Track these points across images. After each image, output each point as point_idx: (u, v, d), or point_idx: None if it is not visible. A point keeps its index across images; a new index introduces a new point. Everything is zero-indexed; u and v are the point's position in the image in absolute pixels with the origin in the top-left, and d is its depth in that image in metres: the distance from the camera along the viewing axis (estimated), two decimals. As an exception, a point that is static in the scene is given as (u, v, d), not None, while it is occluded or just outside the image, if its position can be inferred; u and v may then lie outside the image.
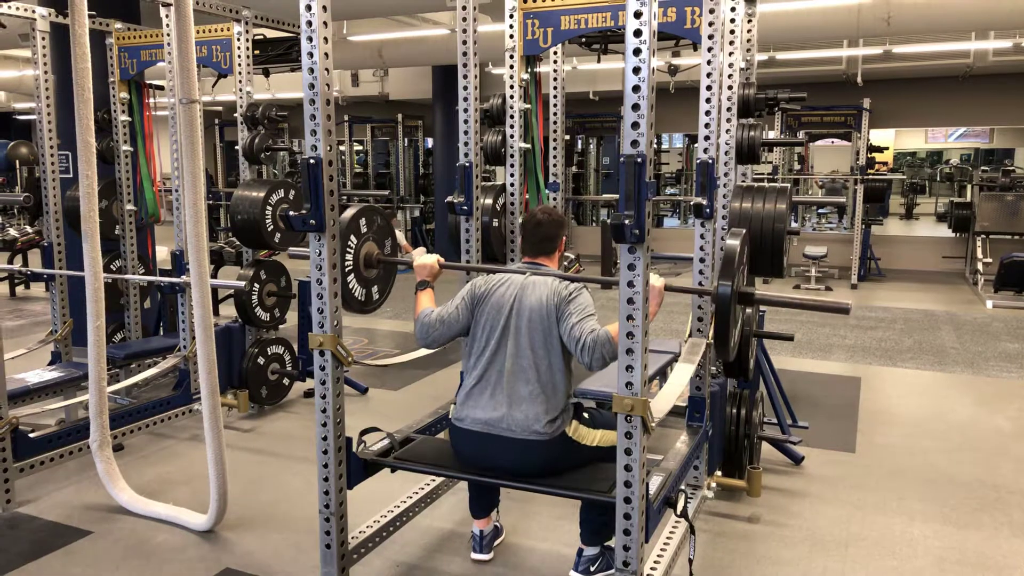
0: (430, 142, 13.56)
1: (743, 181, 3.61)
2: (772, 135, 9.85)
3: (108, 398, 3.45)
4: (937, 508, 3.40)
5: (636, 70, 1.96)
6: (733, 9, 3.20)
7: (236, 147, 4.60)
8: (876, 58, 9.80)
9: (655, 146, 2.03)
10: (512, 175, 3.60)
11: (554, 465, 2.54)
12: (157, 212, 5.00)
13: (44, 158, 4.52)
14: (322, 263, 2.43)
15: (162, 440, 4.23)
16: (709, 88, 2.93)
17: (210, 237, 3.96)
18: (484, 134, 3.79)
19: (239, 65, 4.44)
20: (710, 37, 2.89)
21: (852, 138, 10.81)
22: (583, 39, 7.54)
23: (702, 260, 3.03)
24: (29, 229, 8.44)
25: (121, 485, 3.39)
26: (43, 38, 4.45)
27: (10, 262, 8.28)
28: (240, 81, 4.46)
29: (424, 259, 2.80)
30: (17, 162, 7.87)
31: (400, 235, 9.86)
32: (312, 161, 2.37)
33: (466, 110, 3.30)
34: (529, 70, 3.62)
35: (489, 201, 3.66)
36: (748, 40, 3.63)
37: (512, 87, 3.49)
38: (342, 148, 13.64)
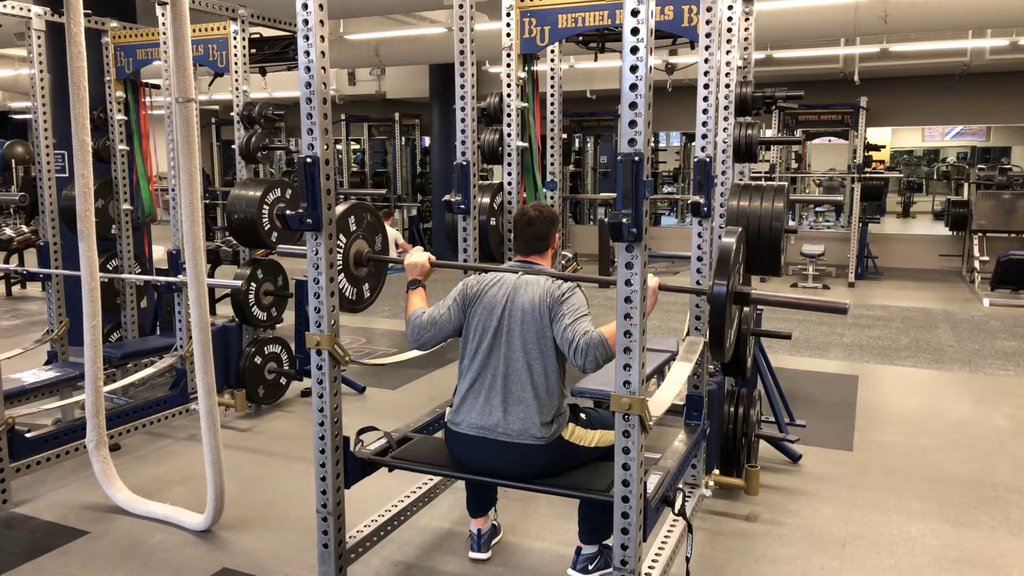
0: (427, 141, 13.55)
1: (740, 179, 3.61)
2: (769, 133, 9.86)
3: (104, 398, 3.45)
4: (935, 506, 3.41)
5: (633, 68, 1.95)
6: (730, 7, 3.20)
7: (233, 146, 4.59)
8: (873, 56, 9.81)
9: (652, 144, 2.03)
10: (509, 174, 3.60)
11: (552, 468, 2.53)
12: (153, 211, 5.00)
13: (40, 157, 4.51)
14: (319, 262, 2.42)
15: (159, 440, 4.22)
16: (706, 86, 2.93)
17: (207, 236, 3.96)
18: (481, 133, 3.78)
19: (235, 64, 4.43)
20: (707, 35, 2.89)
21: (849, 136, 10.82)
22: (580, 37, 7.53)
23: (699, 259, 3.03)
24: (25, 228, 8.41)
25: (118, 485, 3.39)
26: (39, 37, 4.44)
27: (6, 262, 8.27)
28: (236, 80, 4.45)
29: (415, 257, 2.77)
30: (13, 161, 7.83)
31: (399, 234, 9.89)
32: (309, 160, 2.36)
33: (463, 109, 3.30)
34: (526, 68, 3.61)
35: (486, 200, 3.66)
36: (745, 38, 3.63)
37: (509, 85, 3.48)
38: (339, 147, 13.63)
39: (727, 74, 3.15)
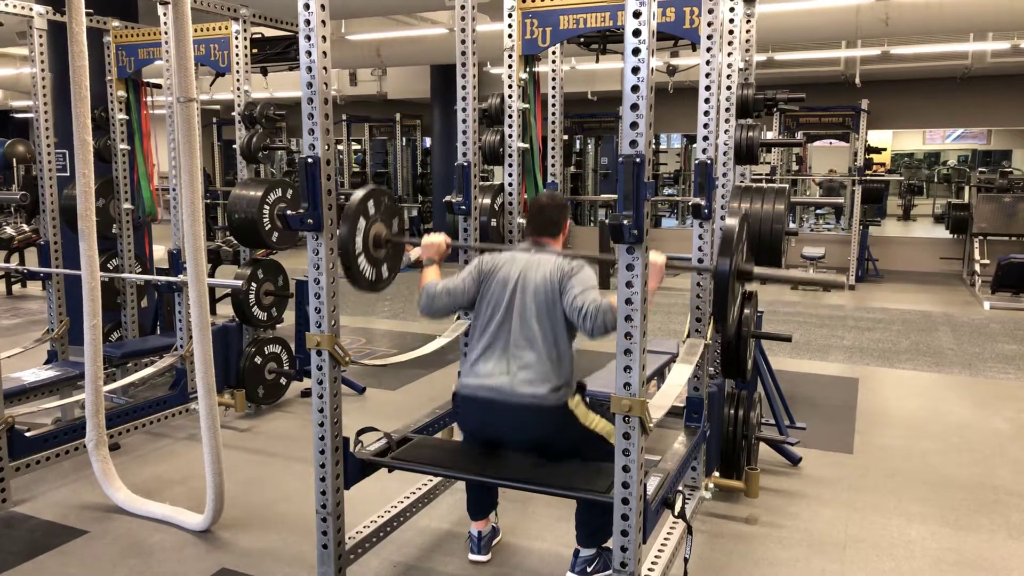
0: (428, 141, 13.56)
1: (741, 182, 3.60)
2: (770, 136, 9.86)
3: (104, 397, 3.44)
4: (935, 509, 3.40)
5: (635, 70, 1.95)
6: (732, 9, 3.20)
7: (234, 146, 4.59)
8: (874, 59, 9.82)
9: (653, 146, 2.03)
10: (510, 175, 3.60)
11: (553, 435, 2.58)
12: (154, 211, 5.00)
13: (41, 156, 4.51)
14: (320, 262, 2.42)
15: (159, 439, 4.22)
16: (708, 88, 2.93)
17: (207, 236, 3.95)
18: (482, 134, 3.78)
19: (237, 64, 4.43)
20: (709, 37, 2.89)
21: (850, 139, 10.82)
22: (582, 39, 7.53)
23: (700, 261, 3.03)
24: (26, 227, 8.42)
25: (117, 484, 3.38)
26: (40, 36, 4.44)
27: (7, 261, 8.27)
28: (238, 80, 4.45)
29: (432, 238, 2.88)
30: (14, 160, 7.85)
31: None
32: (310, 160, 2.36)
33: (464, 109, 3.30)
34: (528, 70, 3.61)
35: (487, 201, 3.65)
36: (747, 40, 3.63)
37: (511, 87, 3.48)
38: (340, 147, 13.63)
39: (728, 76, 3.15)
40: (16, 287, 9.16)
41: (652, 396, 2.31)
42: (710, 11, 2.88)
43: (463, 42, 3.26)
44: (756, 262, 3.24)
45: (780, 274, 2.94)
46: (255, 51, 8.18)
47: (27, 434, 3.50)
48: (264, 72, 9.23)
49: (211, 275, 5.62)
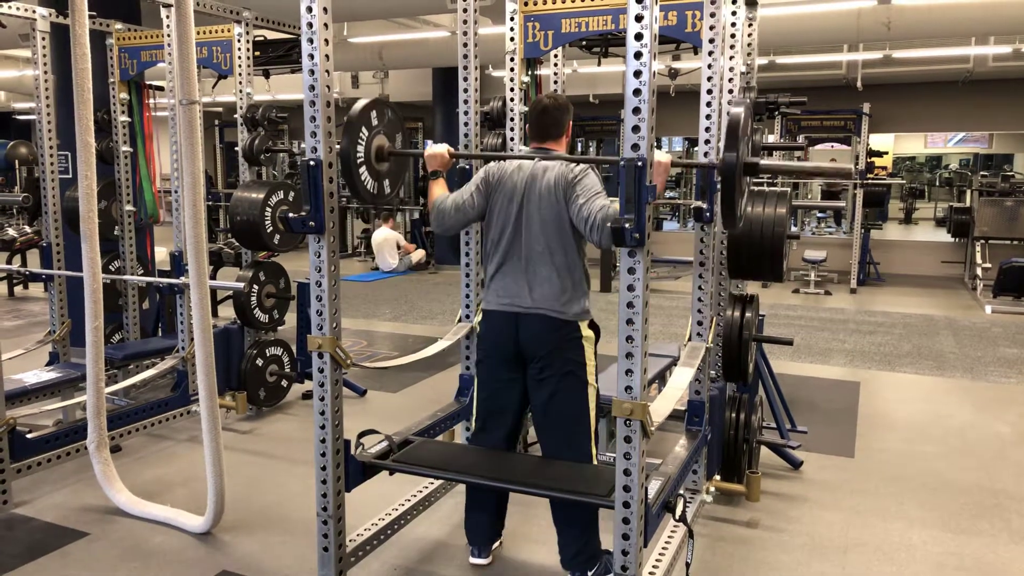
0: (430, 144, 13.56)
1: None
2: (772, 139, 9.87)
3: (106, 399, 3.45)
4: (936, 514, 3.40)
5: (637, 73, 1.95)
6: (734, 13, 3.20)
7: (236, 148, 4.60)
8: (876, 63, 9.83)
9: (655, 149, 2.03)
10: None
11: (559, 347, 2.63)
12: (156, 213, 5.00)
13: (43, 158, 4.52)
14: (322, 265, 2.42)
15: (160, 441, 4.22)
16: (710, 92, 2.93)
17: (209, 238, 3.96)
18: (484, 136, 3.78)
19: (239, 66, 4.44)
20: (711, 41, 2.89)
21: (852, 142, 10.82)
22: (584, 42, 7.56)
23: (702, 264, 3.03)
24: (28, 229, 8.44)
25: (118, 486, 3.38)
26: (43, 38, 4.45)
27: (9, 262, 8.28)
28: (240, 82, 4.46)
29: (434, 149, 2.86)
30: (16, 162, 7.86)
31: (400, 236, 9.91)
32: (312, 163, 2.37)
33: (466, 112, 3.30)
34: (529, 73, 3.61)
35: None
36: (749, 44, 3.63)
37: (512, 90, 3.48)
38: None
39: (730, 79, 3.15)
40: (18, 288, 9.17)
41: (653, 400, 2.31)
42: (712, 15, 2.88)
43: (465, 45, 3.26)
44: (758, 266, 3.25)
45: (788, 165, 2.87)
46: (257, 54, 8.19)
47: (28, 436, 3.50)
48: (266, 74, 9.25)
49: (213, 277, 5.62)
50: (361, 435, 2.69)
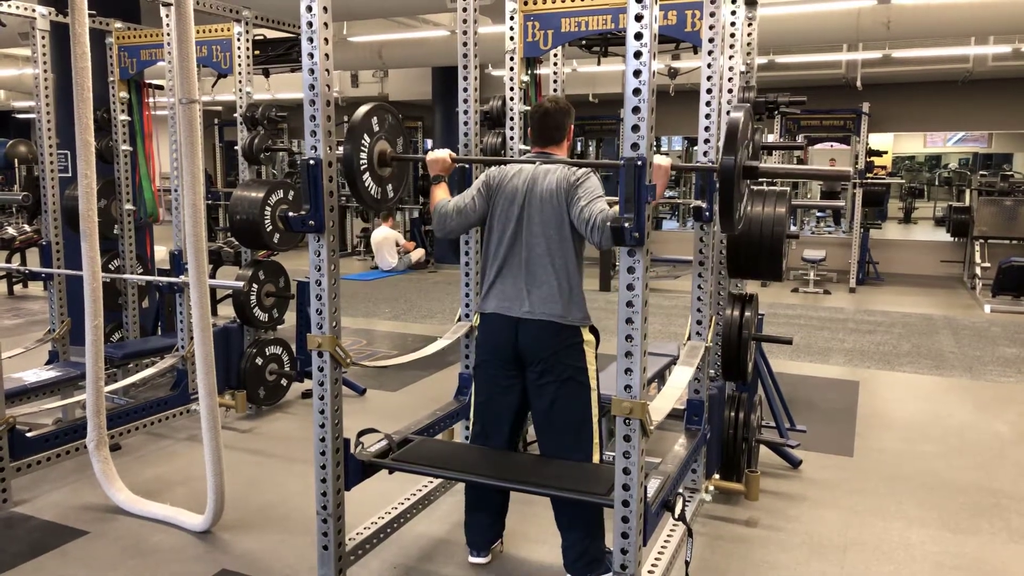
0: (429, 143, 13.56)
1: (742, 184, 3.60)
2: (772, 138, 9.86)
3: (106, 398, 3.45)
4: (935, 513, 3.40)
5: (637, 73, 1.96)
6: (733, 13, 3.20)
7: (235, 147, 4.60)
8: (876, 62, 9.83)
9: (655, 149, 2.04)
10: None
11: (559, 353, 2.63)
12: (156, 212, 5.00)
13: (43, 157, 4.52)
14: (321, 264, 2.42)
15: (159, 440, 4.23)
16: (709, 91, 2.93)
17: (209, 237, 3.95)
18: (484, 136, 3.79)
19: (239, 65, 4.44)
20: (710, 40, 2.90)
21: (851, 142, 10.82)
22: (583, 41, 7.55)
23: (701, 263, 3.03)
24: (27, 228, 8.43)
25: (118, 485, 3.39)
26: (43, 37, 4.45)
27: (8, 261, 8.28)
28: (240, 81, 4.46)
29: (436, 154, 2.87)
30: (16, 161, 7.84)
31: (399, 235, 9.90)
32: (312, 162, 2.37)
33: (466, 112, 3.30)
34: (529, 72, 3.61)
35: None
36: (748, 43, 3.63)
37: (512, 89, 3.48)
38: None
39: (730, 79, 3.15)
40: (17, 287, 9.17)
41: (653, 399, 2.32)
42: (712, 14, 2.88)
43: (465, 44, 3.26)
44: (757, 266, 3.25)
45: (786, 169, 2.91)
46: (257, 53, 8.19)
47: (28, 434, 3.51)
48: (266, 74, 9.24)
49: (212, 276, 5.62)
50: (361, 434, 2.69)
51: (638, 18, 1.93)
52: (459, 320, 3.43)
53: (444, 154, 2.85)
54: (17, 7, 4.34)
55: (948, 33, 7.64)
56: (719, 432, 3.33)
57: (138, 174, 4.91)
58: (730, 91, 3.17)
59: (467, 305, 3.42)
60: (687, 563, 2.61)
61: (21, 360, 4.61)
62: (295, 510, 3.37)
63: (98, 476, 3.39)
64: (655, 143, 2.09)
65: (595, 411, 2.66)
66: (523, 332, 2.65)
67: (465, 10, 3.25)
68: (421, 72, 12.03)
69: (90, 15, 3.07)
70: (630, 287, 2.05)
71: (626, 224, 1.99)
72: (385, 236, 11.07)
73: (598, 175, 2.65)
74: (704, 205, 2.96)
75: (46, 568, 2.90)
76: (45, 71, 4.46)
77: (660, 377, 4.09)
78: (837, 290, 9.61)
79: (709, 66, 2.91)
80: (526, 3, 3.40)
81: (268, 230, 4.34)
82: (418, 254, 11.28)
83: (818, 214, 13.60)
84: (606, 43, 7.72)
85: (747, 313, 3.27)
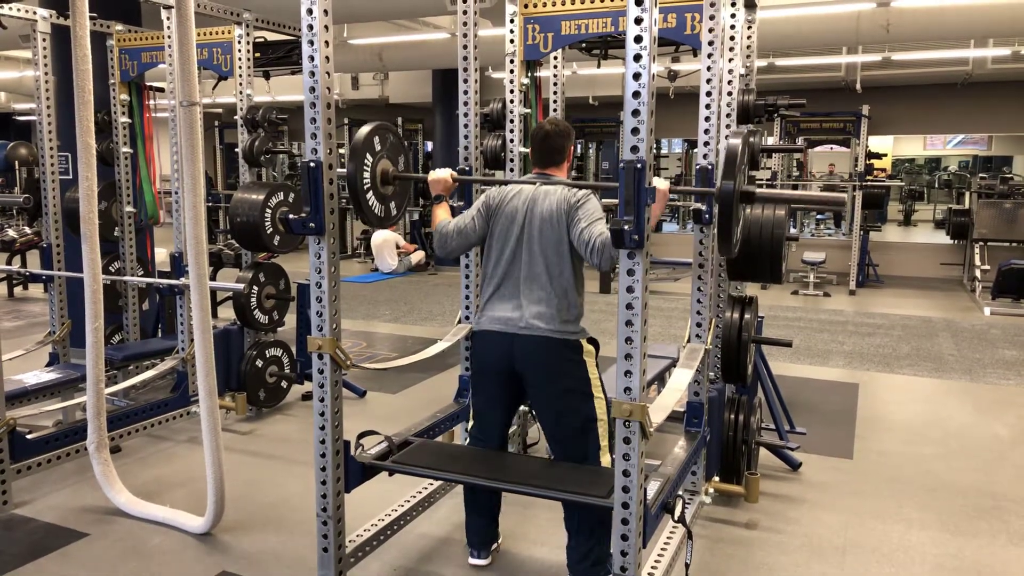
0: (430, 146, 13.57)
1: (742, 187, 3.60)
2: (771, 141, 9.88)
3: (106, 400, 3.45)
4: (935, 515, 3.40)
5: (636, 76, 1.96)
6: (733, 15, 3.21)
7: (236, 149, 4.60)
8: (875, 65, 9.84)
9: (655, 151, 2.05)
10: (512, 179, 3.60)
11: (560, 369, 2.63)
12: (156, 214, 5.01)
13: (44, 159, 4.53)
14: (322, 266, 2.43)
15: (160, 442, 4.23)
16: (709, 94, 2.94)
17: (209, 239, 3.96)
18: (484, 138, 3.79)
19: (240, 68, 4.44)
20: (710, 43, 2.90)
21: (851, 144, 10.84)
22: (583, 44, 7.57)
23: (701, 266, 3.03)
24: (28, 230, 8.43)
25: (118, 487, 3.39)
26: (44, 39, 4.46)
27: (9, 263, 8.28)
28: (240, 84, 4.47)
29: (438, 174, 2.90)
30: (16, 163, 7.86)
31: (399, 236, 9.92)
32: (312, 164, 2.37)
33: (466, 114, 3.31)
34: (529, 74, 3.62)
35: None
36: (748, 46, 3.63)
37: (512, 91, 3.49)
38: (342, 151, 13.64)
39: (729, 82, 3.16)
40: (18, 289, 9.18)
41: (652, 401, 2.32)
42: (711, 17, 2.89)
43: (465, 47, 3.27)
44: (756, 268, 3.25)
45: (782, 194, 2.96)
46: (258, 55, 8.20)
47: (28, 436, 3.51)
48: (266, 76, 9.25)
49: (213, 278, 5.63)
50: (361, 436, 2.70)
51: (638, 21, 1.94)
52: (459, 322, 3.43)
53: (445, 174, 2.89)
54: (18, 9, 4.35)
55: (947, 36, 7.65)
56: (719, 434, 3.33)
57: (139, 176, 4.92)
58: (730, 94, 3.18)
59: (467, 307, 3.42)
60: (687, 565, 2.61)
61: (21, 362, 4.61)
62: (295, 512, 3.37)
63: (98, 478, 3.39)
64: (655, 146, 2.10)
65: (602, 416, 2.66)
66: (521, 349, 2.65)
67: (465, 13, 3.26)
68: (421, 74, 12.05)
69: (91, 18, 3.07)
70: (630, 289, 2.06)
71: (626, 227, 1.99)
72: (385, 238, 11.07)
73: (598, 196, 2.68)
74: (704, 208, 2.96)
75: (46, 570, 2.90)
76: (46, 73, 4.47)
77: (660, 379, 4.10)
78: (837, 292, 9.61)
79: (709, 69, 2.92)
80: (526, 6, 3.41)
81: (268, 232, 4.34)
82: (418, 256, 11.28)
83: (818, 216, 13.61)
84: (606, 46, 7.74)
85: (747, 315, 3.28)
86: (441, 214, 2.88)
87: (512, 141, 3.54)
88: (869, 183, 9.91)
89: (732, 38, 3.17)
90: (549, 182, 2.73)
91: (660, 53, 7.87)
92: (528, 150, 3.66)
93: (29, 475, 3.50)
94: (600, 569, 2.62)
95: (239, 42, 4.42)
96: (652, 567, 2.57)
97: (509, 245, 2.70)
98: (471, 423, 2.93)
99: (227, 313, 5.31)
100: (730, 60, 3.16)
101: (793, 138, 10.56)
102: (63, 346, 4.68)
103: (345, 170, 2.54)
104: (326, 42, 2.33)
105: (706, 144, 2.96)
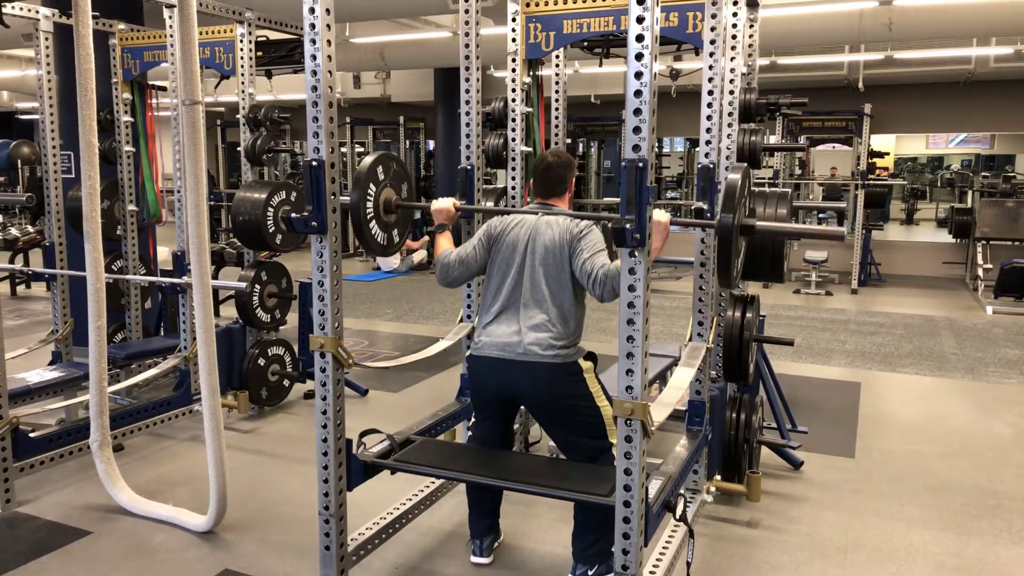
0: (431, 144, 13.57)
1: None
2: (773, 140, 9.86)
3: (108, 398, 3.46)
4: (936, 514, 3.40)
5: (638, 75, 1.96)
6: (735, 14, 3.21)
7: (238, 148, 4.60)
8: (878, 63, 9.83)
9: (656, 150, 2.06)
10: (513, 178, 3.61)
11: (560, 391, 2.64)
12: (159, 213, 5.01)
13: (46, 158, 4.53)
14: (324, 265, 2.43)
15: (162, 441, 4.23)
16: (711, 93, 2.94)
17: (211, 238, 3.96)
18: (486, 137, 3.79)
19: (242, 66, 4.44)
20: (712, 42, 2.90)
21: (853, 143, 10.82)
22: (585, 43, 7.56)
23: (703, 264, 3.03)
24: (31, 229, 8.45)
25: (121, 485, 3.40)
26: (46, 38, 4.46)
27: (11, 261, 8.29)
28: (243, 82, 4.47)
29: (440, 203, 2.93)
30: (19, 162, 7.87)
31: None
32: (314, 163, 2.37)
33: (468, 113, 3.31)
34: (531, 73, 3.62)
35: (490, 204, 3.67)
36: (750, 45, 3.63)
37: (514, 90, 3.49)
38: (344, 150, 13.65)
39: (731, 80, 3.16)
40: (21, 288, 9.18)
41: (654, 399, 2.32)
42: (713, 16, 2.89)
43: (467, 46, 3.27)
44: (758, 267, 3.26)
45: (781, 226, 2.98)
46: (260, 54, 8.20)
47: (31, 435, 3.52)
48: (268, 75, 9.26)
49: (215, 277, 5.64)
50: (363, 434, 2.70)
51: (639, 20, 1.94)
52: (460, 321, 3.44)
53: (448, 203, 2.92)
54: (21, 8, 4.35)
55: (950, 34, 7.63)
56: (720, 433, 3.33)
57: (141, 175, 4.92)
58: (732, 92, 3.18)
59: (468, 306, 3.42)
60: (688, 564, 2.62)
61: (24, 360, 4.63)
62: (297, 510, 3.38)
63: (101, 476, 3.40)
64: (656, 144, 2.10)
65: (610, 421, 2.66)
66: (520, 376, 2.66)
67: (467, 12, 3.26)
68: (423, 73, 12.04)
69: (93, 17, 3.07)
70: (631, 288, 2.06)
71: (627, 225, 1.99)
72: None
73: (599, 226, 2.71)
74: (705, 206, 2.96)
75: (49, 568, 2.91)
76: (48, 72, 4.48)
77: (662, 378, 4.10)
78: (839, 291, 9.61)
79: (711, 67, 2.92)
80: (528, 5, 3.41)
81: (271, 231, 4.34)
82: (420, 255, 11.29)
83: (820, 215, 13.59)
84: (608, 44, 7.73)
85: (748, 314, 3.28)
86: (443, 243, 2.90)
87: (514, 140, 3.54)
88: (871, 182, 9.90)
89: (734, 37, 3.17)
90: (551, 212, 2.76)
91: (662, 52, 7.86)
92: (529, 148, 3.67)
93: (32, 473, 3.51)
94: (605, 558, 2.63)
95: (241, 41, 4.42)
96: (654, 565, 2.58)
97: (511, 274, 2.73)
98: (472, 422, 2.94)
99: (229, 312, 5.32)
100: (732, 59, 3.15)
101: (795, 137, 10.55)
102: (66, 344, 4.69)
103: (348, 199, 2.57)
104: (328, 41, 2.33)
105: (708, 143, 2.96)
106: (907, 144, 18.07)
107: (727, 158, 3.24)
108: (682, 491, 2.80)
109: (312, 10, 2.30)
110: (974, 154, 18.22)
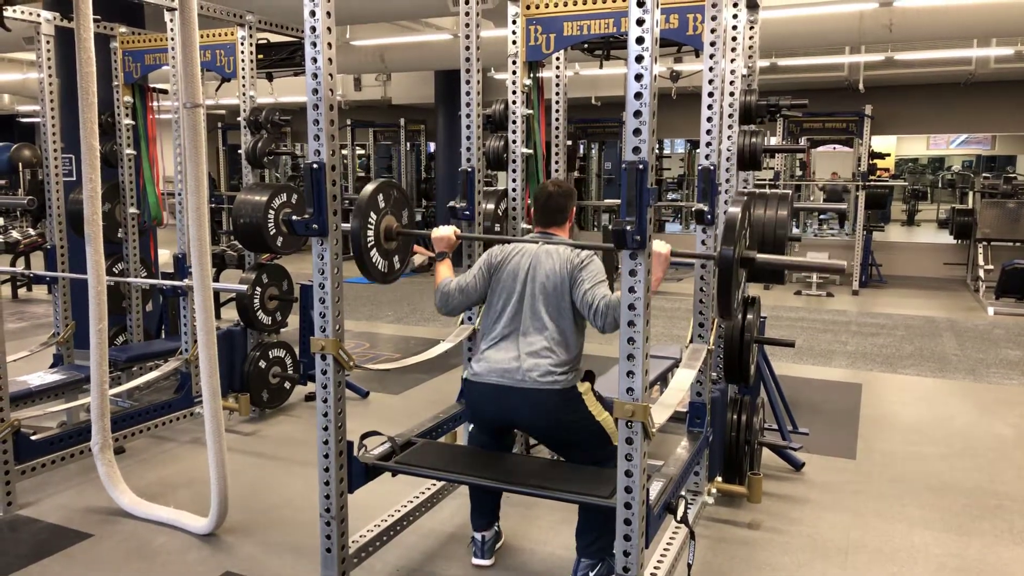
0: (432, 147, 13.58)
1: (744, 187, 3.61)
2: (774, 141, 9.87)
3: (110, 401, 3.46)
4: (938, 515, 3.40)
5: (638, 77, 1.96)
6: (735, 16, 3.21)
7: (239, 151, 4.61)
8: (878, 65, 9.82)
9: (657, 152, 2.07)
10: (514, 180, 3.61)
11: (561, 418, 2.64)
12: (160, 215, 5.02)
13: (48, 161, 4.54)
14: (325, 267, 2.43)
15: (163, 443, 4.24)
16: (711, 94, 2.94)
17: (212, 241, 3.97)
18: (486, 139, 3.79)
19: (243, 69, 4.45)
20: (712, 44, 2.91)
21: (854, 144, 10.82)
22: (585, 45, 7.56)
23: (703, 266, 3.04)
24: (32, 231, 8.45)
25: (122, 488, 3.40)
26: (48, 42, 4.47)
27: (12, 264, 8.30)
28: (243, 85, 4.48)
29: (441, 231, 2.94)
30: (20, 165, 7.87)
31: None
32: (315, 165, 2.38)
33: (468, 115, 3.31)
34: (531, 75, 3.63)
35: (491, 206, 3.67)
36: (750, 47, 3.64)
37: (514, 92, 3.50)
38: (345, 152, 13.65)
39: (731, 82, 3.16)
40: (22, 291, 9.20)
41: (655, 401, 2.32)
42: (713, 18, 2.89)
43: (467, 48, 3.27)
44: (760, 269, 3.25)
45: (782, 261, 3.01)
46: (260, 57, 8.22)
47: (33, 437, 3.52)
48: (269, 77, 9.27)
49: (216, 279, 5.64)
50: (364, 436, 2.70)
51: (639, 22, 1.94)
52: (461, 323, 3.44)
53: (449, 232, 2.94)
54: (22, 12, 4.36)
55: (950, 35, 7.63)
56: (721, 435, 3.33)
57: (142, 178, 4.93)
58: (732, 94, 3.18)
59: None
60: (689, 565, 2.62)
61: (26, 363, 4.63)
62: (298, 512, 3.38)
63: (102, 479, 3.40)
64: (657, 146, 2.10)
65: (612, 429, 2.66)
66: (519, 403, 2.66)
67: (467, 14, 3.26)
68: (424, 75, 12.05)
69: (94, 20, 3.08)
70: (632, 290, 2.06)
71: (628, 227, 1.99)
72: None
73: (600, 255, 2.72)
74: (706, 208, 2.96)
75: (50, 571, 2.91)
76: (50, 76, 4.48)
77: (662, 380, 4.09)
78: (840, 293, 9.60)
79: (711, 69, 2.92)
80: (528, 7, 3.41)
81: (271, 233, 4.35)
82: (420, 258, 11.29)
83: (821, 216, 13.60)
84: (608, 46, 7.73)
85: (749, 316, 3.28)
86: (444, 271, 2.91)
87: (514, 142, 3.55)
88: (872, 183, 9.90)
89: (734, 38, 3.18)
90: (551, 241, 2.78)
91: (662, 54, 7.87)
92: (530, 150, 3.68)
93: (33, 476, 3.52)
94: (608, 553, 2.63)
95: (242, 44, 4.43)
96: (655, 567, 2.58)
97: (511, 303, 2.74)
98: (473, 425, 2.94)
99: (230, 314, 5.32)
100: (732, 60, 3.16)
101: (796, 138, 10.55)
102: (67, 347, 4.69)
103: (349, 226, 2.57)
104: (329, 43, 2.34)
105: (708, 144, 2.96)
106: (908, 145, 18.08)
107: (727, 159, 3.24)
108: (683, 493, 2.80)
109: (313, 13, 2.31)
110: (975, 155, 18.22)
